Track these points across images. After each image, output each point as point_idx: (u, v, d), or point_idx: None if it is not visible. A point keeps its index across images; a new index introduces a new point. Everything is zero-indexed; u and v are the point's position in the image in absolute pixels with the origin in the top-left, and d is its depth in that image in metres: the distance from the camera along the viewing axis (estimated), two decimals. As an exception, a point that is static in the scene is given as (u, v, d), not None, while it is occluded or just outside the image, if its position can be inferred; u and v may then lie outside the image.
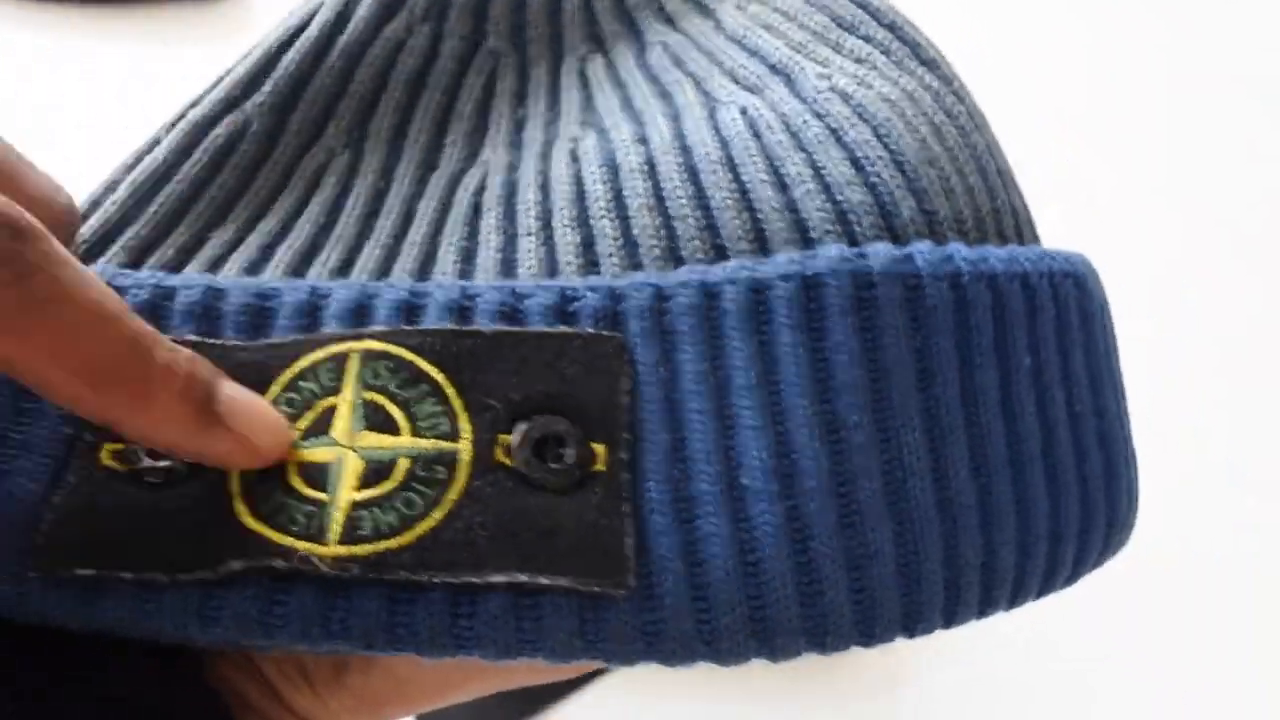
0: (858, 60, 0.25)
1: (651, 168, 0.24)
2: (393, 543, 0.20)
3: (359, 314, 0.22)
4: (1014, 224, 0.25)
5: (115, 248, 0.24)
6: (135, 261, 0.24)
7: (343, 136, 0.27)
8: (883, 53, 0.25)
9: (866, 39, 0.26)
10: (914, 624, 0.21)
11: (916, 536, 0.21)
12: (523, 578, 0.20)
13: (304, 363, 0.22)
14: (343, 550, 0.20)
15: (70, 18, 0.65)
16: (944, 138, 0.24)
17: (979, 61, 0.30)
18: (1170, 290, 0.62)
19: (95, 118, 0.61)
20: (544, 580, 0.20)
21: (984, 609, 0.22)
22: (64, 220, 0.24)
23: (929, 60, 0.26)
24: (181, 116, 0.26)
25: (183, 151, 0.26)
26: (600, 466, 0.21)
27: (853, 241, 0.22)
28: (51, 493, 0.20)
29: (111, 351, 0.19)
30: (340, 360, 0.22)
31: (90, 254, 0.24)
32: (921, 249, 0.22)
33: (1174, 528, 0.56)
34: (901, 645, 0.53)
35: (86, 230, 0.24)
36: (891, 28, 0.26)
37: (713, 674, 0.53)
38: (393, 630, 0.20)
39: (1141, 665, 0.53)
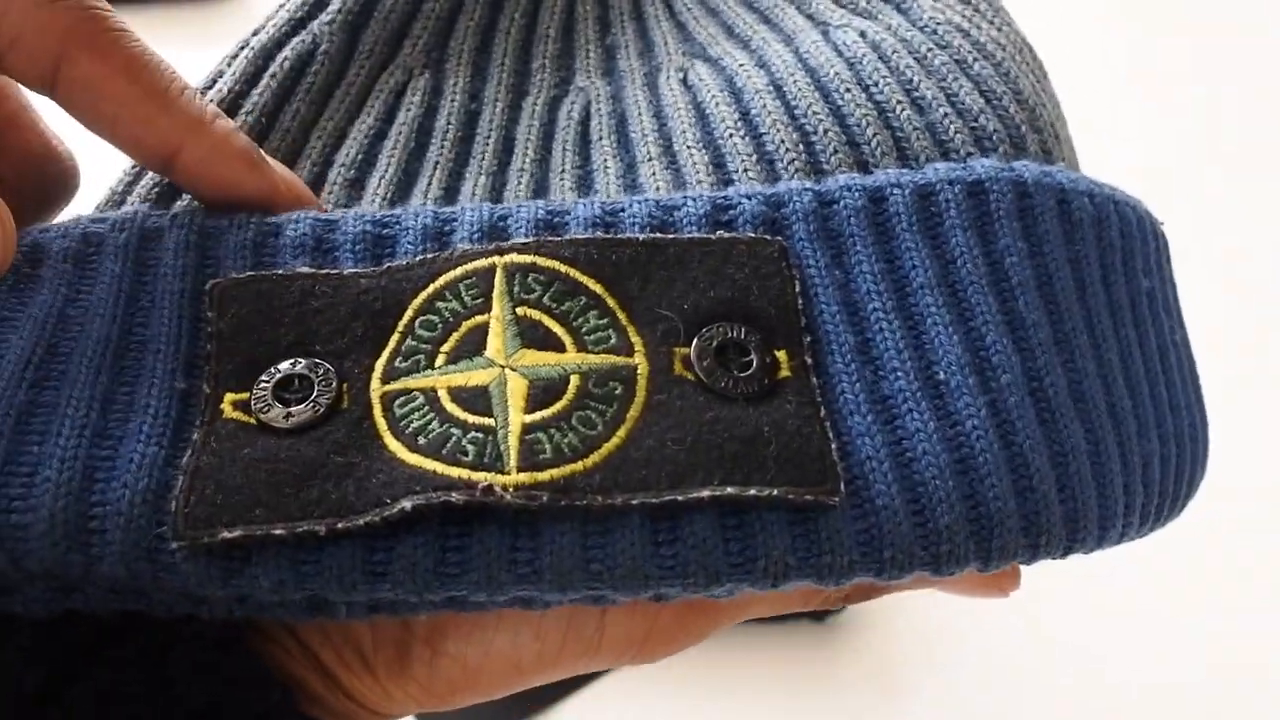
0: (963, 2, 0.25)
1: (778, 88, 0.23)
2: (579, 465, 0.18)
3: (493, 235, 0.21)
4: None
5: None
6: None
7: (420, 56, 0.25)
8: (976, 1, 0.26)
9: None
10: (1106, 528, 0.20)
11: (1099, 437, 0.20)
12: (730, 490, 0.18)
13: (440, 282, 0.20)
14: (525, 477, 0.18)
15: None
16: (1044, 86, 0.25)
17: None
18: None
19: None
20: (753, 492, 0.18)
21: (1140, 525, 0.22)
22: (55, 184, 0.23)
23: (1009, 19, 0.26)
24: (244, 45, 0.24)
25: (249, 80, 0.24)
26: (786, 372, 0.19)
27: None
28: (174, 454, 0.18)
29: (175, 81, 0.21)
30: (484, 275, 0.20)
31: (163, 200, 0.22)
32: (1061, 169, 0.22)
33: (1172, 533, 0.56)
34: (900, 646, 0.53)
35: (156, 175, 0.23)
36: None
37: (712, 675, 0.53)
38: (588, 565, 0.18)
39: (1139, 667, 0.53)
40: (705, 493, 0.18)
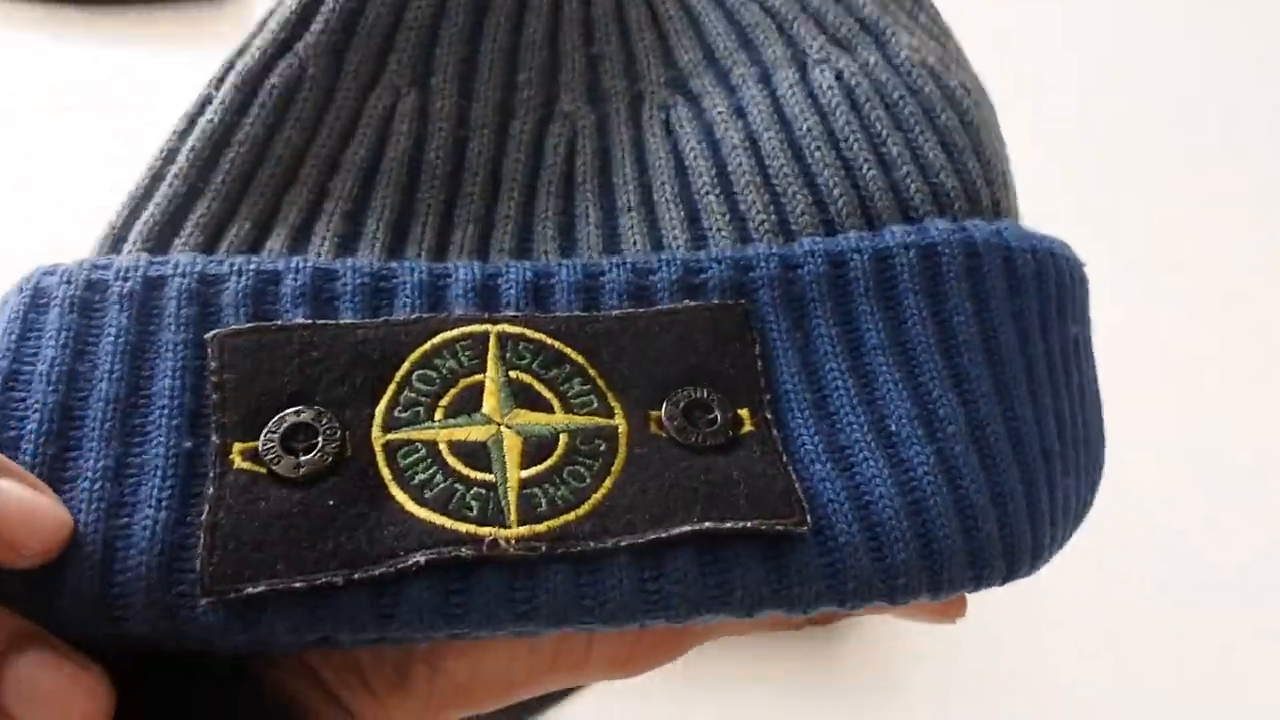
0: (933, 38, 0.26)
1: (754, 144, 0.24)
2: (571, 515, 0.20)
3: (485, 294, 0.22)
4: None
5: (189, 227, 0.23)
6: (211, 239, 0.23)
7: (406, 73, 0.25)
8: (945, 37, 0.27)
9: (933, 20, 0.27)
10: (1038, 560, 0.22)
11: (1033, 478, 0.22)
12: (708, 525, 0.20)
13: (438, 340, 0.21)
14: (525, 530, 0.20)
15: (70, 18, 0.65)
16: (998, 136, 0.26)
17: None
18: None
19: (95, 119, 0.61)
20: (728, 525, 0.20)
21: (1052, 554, 0.24)
22: None
23: (967, 60, 0.27)
24: (230, 68, 0.24)
25: (239, 109, 0.24)
26: (749, 427, 0.22)
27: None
28: (185, 513, 0.19)
29: None
30: (479, 340, 0.21)
31: (163, 236, 0.23)
32: (1008, 226, 0.24)
33: (1167, 537, 0.56)
34: (900, 647, 0.53)
35: (155, 208, 0.23)
36: (938, 16, 0.27)
37: (712, 675, 0.53)
38: (580, 603, 0.19)
39: (1139, 670, 0.53)
40: (685, 529, 0.20)
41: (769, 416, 0.22)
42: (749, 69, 0.26)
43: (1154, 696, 0.52)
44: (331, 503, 0.19)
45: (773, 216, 0.24)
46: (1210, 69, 0.72)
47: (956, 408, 0.22)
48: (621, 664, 0.24)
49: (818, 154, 0.24)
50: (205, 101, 0.24)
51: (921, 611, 0.25)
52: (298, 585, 0.19)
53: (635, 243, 0.24)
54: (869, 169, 0.24)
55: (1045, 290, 0.24)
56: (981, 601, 0.55)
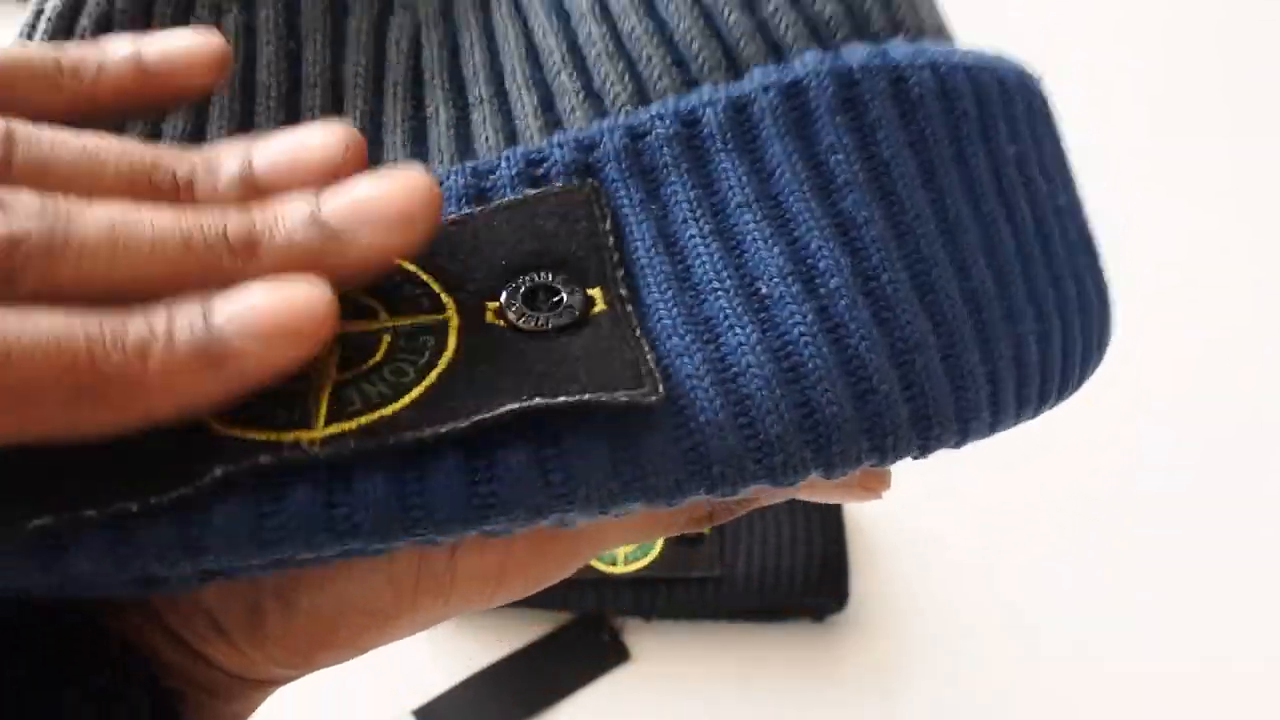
0: None
1: (604, 8, 0.22)
2: (387, 410, 0.18)
3: None
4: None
5: None
6: None
7: None
8: None
9: None
10: (967, 422, 0.20)
11: (953, 328, 0.20)
12: (537, 400, 0.17)
13: None
14: (333, 429, 0.17)
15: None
16: None
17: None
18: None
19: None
20: (560, 400, 0.17)
21: (1019, 410, 0.21)
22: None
23: None
24: (39, 14, 0.22)
25: None
26: (601, 307, 0.19)
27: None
28: None
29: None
30: None
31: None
32: (896, 44, 0.21)
33: (1170, 532, 0.56)
34: (899, 646, 0.53)
35: None
36: None
37: (712, 675, 0.53)
38: (407, 514, 0.17)
39: (1138, 667, 0.53)
40: (510, 406, 0.17)
41: (624, 294, 0.19)
42: None
43: (1157, 697, 0.52)
44: (135, 432, 0.17)
45: (629, 86, 0.21)
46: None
47: (841, 258, 0.19)
48: (494, 582, 0.21)
49: (671, 6, 0.21)
50: None
51: (831, 490, 0.23)
52: (90, 515, 0.17)
53: (488, 139, 0.22)
54: (730, 12, 0.21)
55: (956, 109, 0.21)
56: (983, 601, 0.55)
